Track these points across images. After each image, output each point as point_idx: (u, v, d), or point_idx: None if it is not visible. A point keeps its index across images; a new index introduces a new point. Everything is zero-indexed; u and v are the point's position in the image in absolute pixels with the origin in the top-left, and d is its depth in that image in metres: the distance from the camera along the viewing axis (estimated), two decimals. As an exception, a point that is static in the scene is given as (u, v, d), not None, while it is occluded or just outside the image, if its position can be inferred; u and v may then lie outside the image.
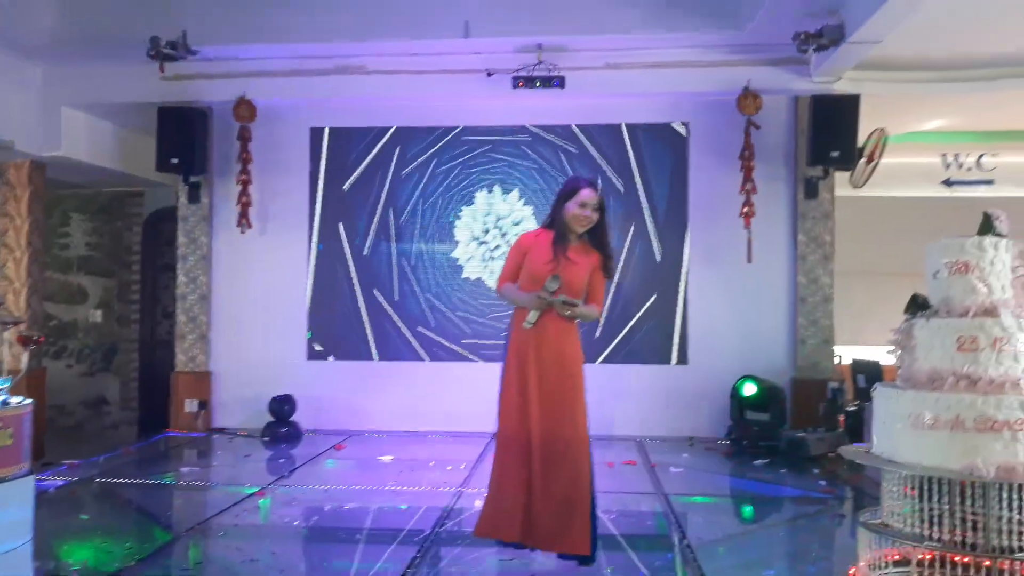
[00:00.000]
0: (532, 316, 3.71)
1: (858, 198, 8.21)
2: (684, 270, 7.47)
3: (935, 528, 2.74)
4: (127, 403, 9.21)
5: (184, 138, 7.33)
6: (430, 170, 7.72)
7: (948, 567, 2.68)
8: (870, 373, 6.57)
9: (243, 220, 7.46)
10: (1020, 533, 2.65)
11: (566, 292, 3.66)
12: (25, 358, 5.73)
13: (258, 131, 7.52)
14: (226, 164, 7.71)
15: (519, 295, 3.81)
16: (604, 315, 3.54)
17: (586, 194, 3.76)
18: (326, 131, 7.80)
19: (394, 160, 7.74)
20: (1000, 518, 2.65)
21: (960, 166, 8.94)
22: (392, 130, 7.74)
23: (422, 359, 7.64)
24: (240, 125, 7.42)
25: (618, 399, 7.36)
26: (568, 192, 3.81)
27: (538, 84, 6.72)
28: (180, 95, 7.28)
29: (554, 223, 3.84)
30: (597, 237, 3.84)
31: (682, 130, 7.52)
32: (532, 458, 3.66)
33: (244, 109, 7.31)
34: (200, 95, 7.36)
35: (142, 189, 9.11)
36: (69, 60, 7.09)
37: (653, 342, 7.45)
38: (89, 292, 9.27)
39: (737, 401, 6.97)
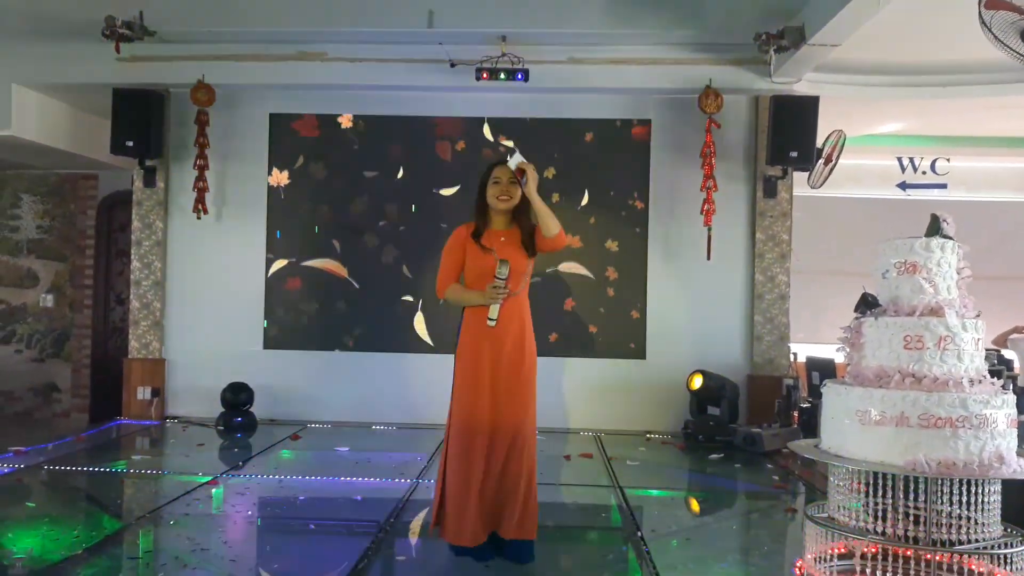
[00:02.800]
0: (493, 311, 3.61)
1: (815, 198, 8.35)
2: (644, 266, 7.51)
3: (879, 522, 2.80)
4: (78, 390, 9.03)
5: (140, 121, 7.19)
6: (390, 159, 7.66)
7: (891, 560, 2.75)
8: (824, 370, 6.70)
9: (199, 206, 7.35)
10: (960, 527, 2.72)
11: (511, 275, 3.61)
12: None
13: (216, 116, 7.41)
14: (183, 149, 7.58)
15: (468, 294, 3.75)
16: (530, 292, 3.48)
17: (498, 170, 3.74)
18: (286, 117, 7.69)
19: (354, 148, 7.66)
20: (940, 512, 2.72)
21: (916, 170, 9.15)
22: (353, 118, 7.66)
23: (381, 350, 7.59)
24: (198, 109, 7.30)
25: (576, 393, 7.41)
26: (483, 177, 3.80)
27: (502, 76, 6.72)
28: (136, 77, 7.14)
29: (476, 213, 3.81)
30: (523, 212, 3.76)
31: (644, 127, 7.56)
32: (493, 449, 3.63)
33: (202, 93, 7.19)
34: (157, 77, 7.23)
35: (96, 172, 8.92)
36: (20, 37, 6.92)
37: (611, 337, 7.49)
38: (40, 276, 9.06)
39: (695, 396, 7.05)
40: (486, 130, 7.60)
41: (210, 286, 7.64)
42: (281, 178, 7.69)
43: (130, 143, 7.20)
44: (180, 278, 7.68)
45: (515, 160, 3.63)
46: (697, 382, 6.99)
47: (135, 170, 7.60)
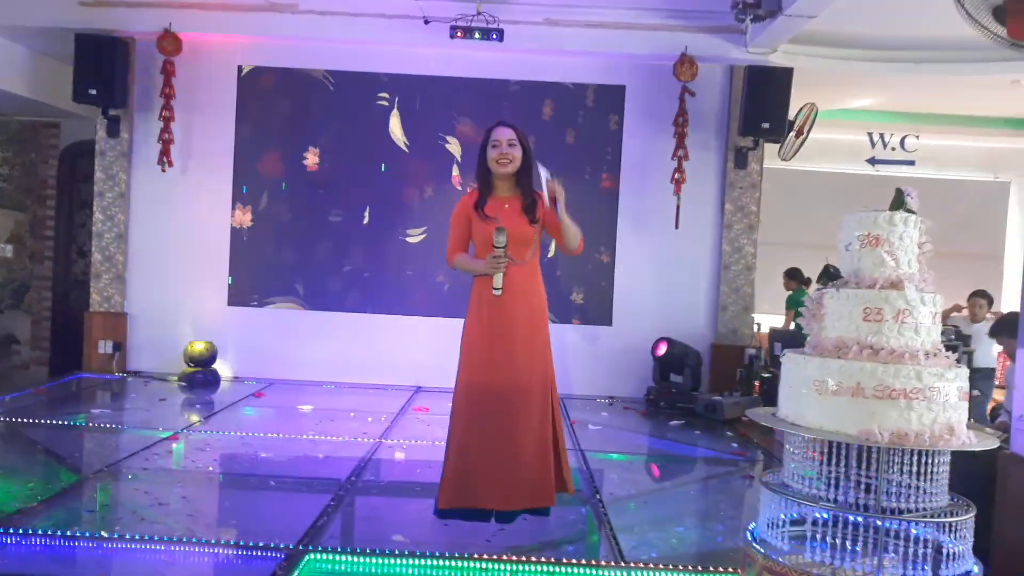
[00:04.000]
0: (497, 281, 3.53)
1: (785, 171, 8.41)
2: (613, 233, 7.52)
3: (832, 489, 2.85)
4: (38, 342, 8.89)
5: (104, 69, 7.01)
6: (360, 115, 7.55)
7: (841, 526, 2.80)
8: (786, 342, 6.78)
9: (164, 158, 7.21)
10: (909, 496, 2.77)
11: (511, 242, 3.51)
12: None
13: (183, 66, 7.25)
14: (148, 99, 7.41)
15: (475, 263, 3.65)
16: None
17: (497, 132, 3.63)
18: (254, 70, 7.53)
19: (323, 104, 7.53)
20: (891, 481, 2.78)
21: (885, 145, 9.23)
22: (322, 73, 7.53)
23: (347, 310, 7.55)
24: (164, 59, 7.13)
25: (542, 357, 7.44)
26: (483, 141, 3.69)
27: (476, 35, 6.63)
28: (101, 23, 6.96)
29: (478, 178, 3.72)
30: (525, 174, 3.68)
31: (618, 92, 7.51)
32: (503, 414, 3.53)
33: (169, 42, 7.02)
34: (122, 24, 7.04)
35: (58, 120, 8.69)
36: (-21, -24, 6.69)
37: (578, 303, 7.52)
38: (-1, 225, 8.85)
39: (658, 363, 7.11)
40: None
41: (174, 240, 7.52)
42: (248, 130, 7.55)
43: (93, 91, 7.02)
44: (144, 231, 7.55)
45: (544, 175, 3.52)
46: (660, 348, 7.05)
47: (98, 119, 7.42)
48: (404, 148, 7.52)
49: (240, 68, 7.51)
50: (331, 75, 7.51)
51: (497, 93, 7.48)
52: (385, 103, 7.50)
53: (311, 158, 7.54)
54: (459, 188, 7.39)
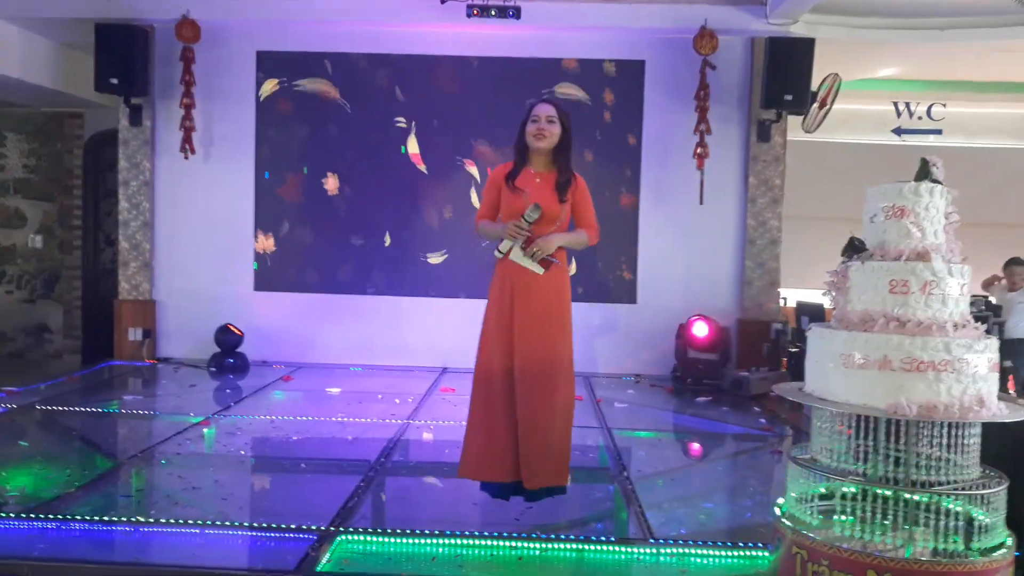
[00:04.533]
0: (504, 245, 3.57)
1: (809, 143, 8.30)
2: (636, 209, 7.48)
3: (860, 463, 2.84)
4: (70, 331, 9.03)
5: (124, 58, 7.07)
6: (381, 98, 7.55)
7: (870, 500, 2.79)
8: (814, 315, 6.73)
9: (186, 145, 7.27)
10: (939, 468, 2.76)
11: (541, 219, 3.56)
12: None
13: (202, 53, 7.28)
14: (169, 87, 7.46)
15: (495, 227, 3.70)
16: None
17: (538, 108, 3.66)
18: (273, 55, 7.55)
19: (343, 87, 7.54)
20: (920, 454, 2.76)
21: (911, 115, 9.07)
22: (342, 55, 7.52)
23: (372, 293, 7.59)
24: (183, 46, 7.16)
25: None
26: (526, 116, 3.72)
27: (493, 13, 6.60)
28: (120, 12, 7.00)
29: (516, 150, 3.74)
30: (562, 152, 3.70)
31: (638, 67, 7.44)
32: (517, 393, 3.57)
33: (187, 29, 7.05)
34: (141, 12, 7.08)
35: (82, 110, 8.77)
36: (0, -30, 6.74)
37: (603, 280, 7.50)
38: (28, 216, 8.97)
39: (683, 340, 7.08)
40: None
41: (199, 226, 7.59)
42: (269, 116, 7.58)
43: (115, 80, 7.08)
44: (169, 218, 7.63)
45: (534, 215, 3.53)
46: (700, 329, 6.94)
47: (120, 108, 7.49)
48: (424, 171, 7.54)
49: (259, 52, 7.51)
50: (349, 56, 7.50)
51: (513, 71, 7.44)
52: (403, 125, 7.50)
53: (331, 182, 7.57)
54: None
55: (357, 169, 7.56)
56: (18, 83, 7.44)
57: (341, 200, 7.59)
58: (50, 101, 8.38)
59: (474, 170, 7.48)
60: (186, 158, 7.31)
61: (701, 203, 7.18)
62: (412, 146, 7.50)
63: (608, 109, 7.46)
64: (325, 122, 7.55)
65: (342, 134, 7.54)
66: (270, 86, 7.52)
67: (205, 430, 5.20)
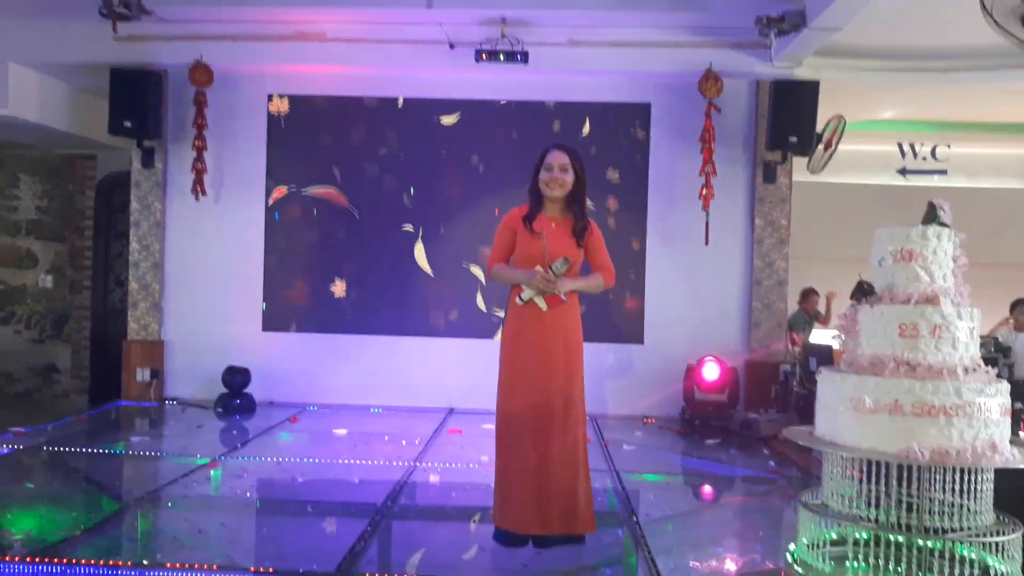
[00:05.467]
0: (527, 294, 3.62)
1: (815, 184, 8.34)
2: (642, 250, 7.51)
3: (872, 509, 2.82)
4: (78, 371, 9.05)
5: (138, 101, 7.17)
6: (390, 142, 7.63)
7: (883, 546, 2.76)
8: (822, 357, 6.70)
9: (197, 187, 7.34)
10: (952, 515, 2.73)
11: (554, 261, 3.59)
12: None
13: (214, 96, 7.38)
14: (181, 129, 7.56)
15: (514, 273, 3.71)
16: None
17: (551, 156, 3.69)
18: (285, 99, 7.66)
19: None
20: (933, 500, 2.74)
21: (916, 155, 9.12)
22: (352, 99, 7.63)
23: (379, 333, 7.60)
24: (196, 89, 7.27)
25: (574, 376, 7.42)
26: (539, 160, 3.76)
27: (501, 58, 6.68)
28: (134, 56, 7.11)
29: (530, 194, 3.78)
30: (577, 200, 3.74)
31: (643, 110, 7.52)
32: (538, 440, 3.57)
33: (200, 73, 7.16)
34: (155, 57, 7.20)
35: (95, 152, 8.89)
36: (18, 15, 6.88)
37: (610, 321, 7.50)
38: (39, 256, 9.05)
39: (691, 381, 7.05)
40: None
41: (209, 268, 7.64)
42: (280, 158, 7.66)
43: (128, 123, 7.18)
44: (179, 260, 7.68)
45: (562, 268, 3.59)
46: (710, 371, 6.91)
47: (133, 151, 7.59)
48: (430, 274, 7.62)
49: (270, 96, 7.62)
50: (360, 101, 7.61)
51: (520, 115, 7.53)
52: (410, 230, 7.59)
53: (338, 287, 7.63)
54: (485, 311, 7.48)
55: (365, 273, 7.62)
56: (35, 126, 7.56)
57: (347, 303, 7.64)
58: (63, 143, 8.50)
59: (479, 273, 7.54)
60: (197, 199, 7.39)
61: (707, 244, 7.20)
62: (419, 251, 7.58)
63: (613, 150, 7.51)
64: (334, 227, 7.64)
65: (350, 239, 7.62)
66: (279, 192, 7.62)
67: (212, 472, 5.18)
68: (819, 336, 8.37)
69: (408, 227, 7.61)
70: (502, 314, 3.69)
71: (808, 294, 8.25)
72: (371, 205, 7.63)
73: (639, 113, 7.53)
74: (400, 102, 7.59)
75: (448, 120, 7.59)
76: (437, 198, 7.59)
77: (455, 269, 7.58)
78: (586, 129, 7.53)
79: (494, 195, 7.35)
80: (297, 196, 7.64)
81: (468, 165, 7.56)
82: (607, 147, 7.51)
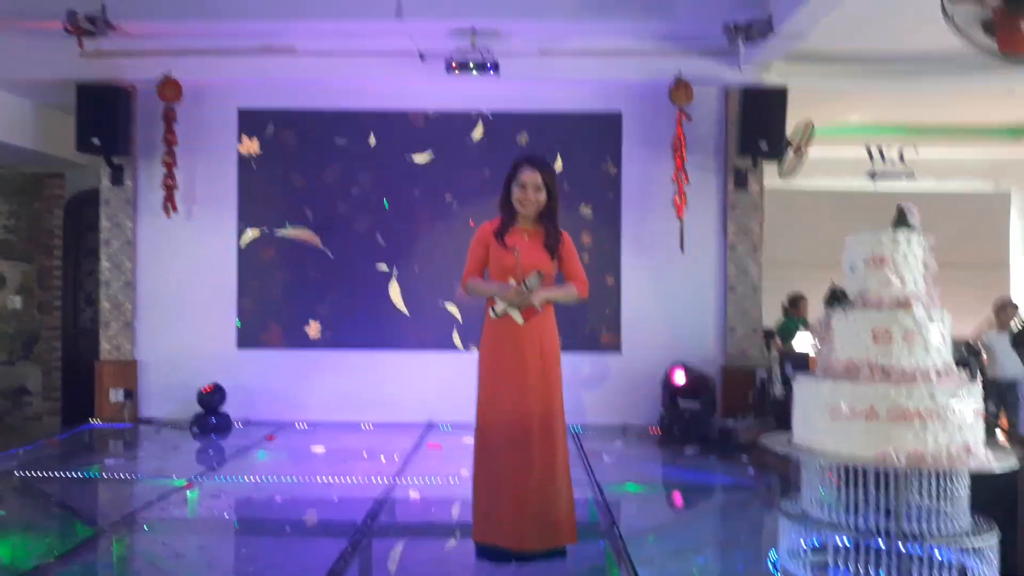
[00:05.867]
0: (500, 308, 3.62)
1: (787, 191, 8.42)
2: (617, 259, 7.53)
3: (852, 515, 2.83)
4: (49, 393, 8.89)
5: (106, 117, 7.08)
6: (363, 181, 7.59)
7: (863, 552, 2.78)
8: (797, 362, 6.75)
9: (168, 204, 7.26)
10: (930, 519, 2.75)
11: (527, 273, 3.58)
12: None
13: (184, 111, 7.31)
14: (151, 146, 7.47)
15: (488, 286, 3.70)
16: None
17: (524, 175, 3.66)
18: (254, 113, 7.60)
19: (325, 142, 7.58)
20: (911, 504, 2.76)
21: (884, 159, 9.23)
22: (323, 112, 7.59)
23: (354, 348, 7.54)
24: (165, 105, 7.20)
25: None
26: (510, 174, 3.73)
27: (472, 69, 6.68)
28: (101, 72, 7.03)
29: (501, 207, 3.76)
30: (549, 218, 3.73)
31: (614, 119, 7.55)
32: (520, 452, 3.56)
33: (169, 88, 7.09)
34: (122, 73, 7.12)
35: (62, 170, 8.76)
36: (-20, 33, 6.77)
37: (586, 330, 7.50)
38: (7, 277, 8.89)
39: (668, 389, 7.07)
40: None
41: (182, 285, 7.54)
42: (251, 173, 7.60)
43: (96, 140, 7.09)
44: (151, 278, 7.58)
45: (533, 282, 3.59)
46: (679, 377, 6.96)
47: (102, 168, 7.49)
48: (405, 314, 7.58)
49: (240, 110, 7.57)
50: (329, 114, 7.57)
51: (491, 127, 7.53)
52: (385, 269, 7.57)
53: (313, 328, 7.57)
54: (462, 349, 7.42)
55: (339, 314, 7.56)
56: (0, 145, 7.43)
57: (323, 344, 7.58)
58: (30, 161, 8.37)
59: (456, 312, 7.52)
60: (168, 216, 7.30)
61: (683, 251, 7.23)
62: (394, 290, 7.56)
63: (584, 160, 7.53)
64: (306, 268, 7.58)
65: (323, 280, 7.57)
66: (252, 233, 7.57)
67: (188, 493, 5.11)
68: (801, 342, 8.43)
69: (383, 266, 7.58)
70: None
71: (797, 300, 8.19)
72: (344, 245, 7.59)
73: (610, 122, 7.56)
74: (372, 141, 7.56)
75: (421, 159, 7.59)
76: (411, 237, 7.57)
77: (432, 307, 7.55)
78: (558, 138, 7.53)
79: (469, 232, 7.35)
80: (270, 238, 7.58)
81: (442, 203, 7.55)
82: (578, 158, 7.52)
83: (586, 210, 7.52)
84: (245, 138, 7.57)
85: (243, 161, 7.58)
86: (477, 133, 7.56)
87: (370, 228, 7.59)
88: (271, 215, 7.60)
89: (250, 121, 7.59)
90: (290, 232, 7.59)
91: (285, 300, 7.59)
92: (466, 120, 7.58)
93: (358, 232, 7.59)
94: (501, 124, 7.54)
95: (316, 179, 7.59)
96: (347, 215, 7.59)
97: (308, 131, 7.58)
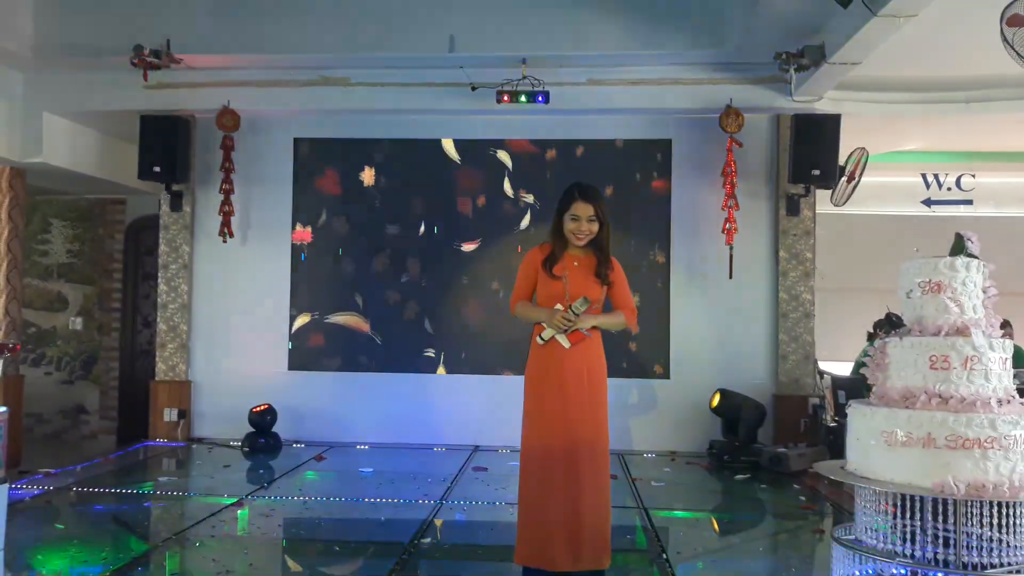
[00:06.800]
0: (547, 334, 3.63)
1: (839, 216, 8.29)
2: (667, 285, 7.49)
3: (908, 544, 2.76)
4: (106, 412, 9.13)
5: (167, 146, 7.31)
6: (415, 182, 7.72)
7: (920, 583, 2.71)
8: (851, 389, 6.62)
9: (225, 229, 7.44)
10: (991, 549, 2.67)
11: (575, 299, 3.60)
12: (-1, 366, 5.67)
13: (241, 141, 7.52)
14: (209, 173, 7.69)
15: (536, 311, 3.72)
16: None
17: (577, 207, 3.67)
18: (310, 142, 7.79)
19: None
20: (971, 534, 2.68)
21: (940, 186, 9.05)
22: (376, 142, 7.74)
23: (404, 371, 7.61)
24: (223, 134, 7.41)
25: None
26: (562, 203, 3.74)
27: (522, 98, 6.75)
28: (163, 103, 7.26)
29: (552, 235, 3.78)
30: (600, 245, 3.75)
31: (665, 147, 7.56)
32: (568, 475, 3.56)
33: (227, 118, 7.30)
34: (183, 104, 7.34)
35: (124, 197, 9.06)
36: (51, 67, 7.05)
37: (635, 356, 7.46)
38: (69, 299, 9.19)
39: (719, 416, 6.99)
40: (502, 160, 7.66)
41: (236, 309, 7.72)
42: (306, 200, 7.77)
43: (157, 168, 7.32)
44: (206, 301, 7.77)
45: (581, 307, 3.60)
46: (714, 400, 6.94)
47: (162, 195, 7.73)
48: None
49: (296, 139, 7.76)
50: (383, 143, 7.72)
51: (543, 150, 7.60)
52: (431, 355, 7.68)
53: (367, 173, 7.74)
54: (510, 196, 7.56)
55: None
56: (67, 173, 7.72)
57: (373, 368, 7.70)
58: (94, 188, 8.67)
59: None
60: (224, 242, 7.49)
61: (731, 278, 7.17)
62: (441, 372, 7.66)
63: (635, 187, 7.54)
64: (356, 354, 7.71)
65: (371, 365, 7.69)
66: (303, 319, 7.74)
67: (239, 511, 5.19)
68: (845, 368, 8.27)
69: (430, 352, 7.66)
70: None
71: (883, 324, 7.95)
72: (393, 331, 7.70)
73: (660, 149, 7.56)
74: (421, 229, 7.72)
75: (469, 247, 7.69)
76: (457, 323, 7.65)
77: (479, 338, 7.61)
78: (608, 167, 7.56)
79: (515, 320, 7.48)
80: (320, 323, 7.73)
81: (488, 290, 7.63)
82: (629, 183, 7.53)
83: (636, 236, 7.51)
84: (299, 225, 7.81)
85: (295, 249, 7.80)
86: (525, 222, 7.67)
87: (419, 314, 7.69)
88: (320, 302, 7.77)
89: (300, 300, 7.78)
90: (339, 318, 7.72)
91: (336, 350, 7.71)
92: (516, 212, 7.68)
93: (406, 318, 7.69)
94: (549, 151, 7.59)
95: (365, 266, 7.77)
96: (397, 301, 7.70)
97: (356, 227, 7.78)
